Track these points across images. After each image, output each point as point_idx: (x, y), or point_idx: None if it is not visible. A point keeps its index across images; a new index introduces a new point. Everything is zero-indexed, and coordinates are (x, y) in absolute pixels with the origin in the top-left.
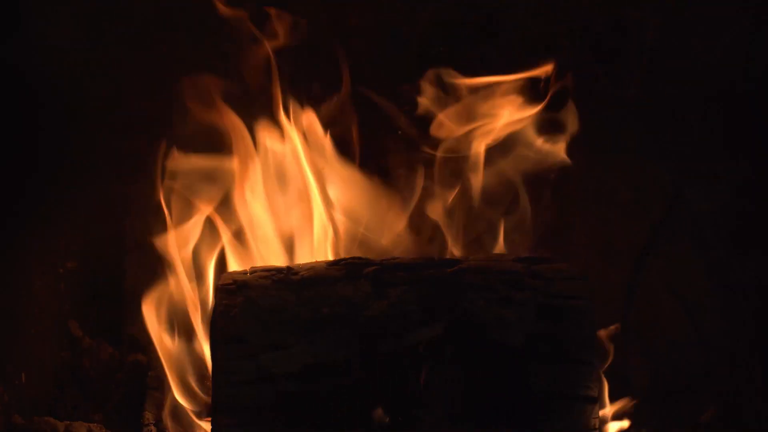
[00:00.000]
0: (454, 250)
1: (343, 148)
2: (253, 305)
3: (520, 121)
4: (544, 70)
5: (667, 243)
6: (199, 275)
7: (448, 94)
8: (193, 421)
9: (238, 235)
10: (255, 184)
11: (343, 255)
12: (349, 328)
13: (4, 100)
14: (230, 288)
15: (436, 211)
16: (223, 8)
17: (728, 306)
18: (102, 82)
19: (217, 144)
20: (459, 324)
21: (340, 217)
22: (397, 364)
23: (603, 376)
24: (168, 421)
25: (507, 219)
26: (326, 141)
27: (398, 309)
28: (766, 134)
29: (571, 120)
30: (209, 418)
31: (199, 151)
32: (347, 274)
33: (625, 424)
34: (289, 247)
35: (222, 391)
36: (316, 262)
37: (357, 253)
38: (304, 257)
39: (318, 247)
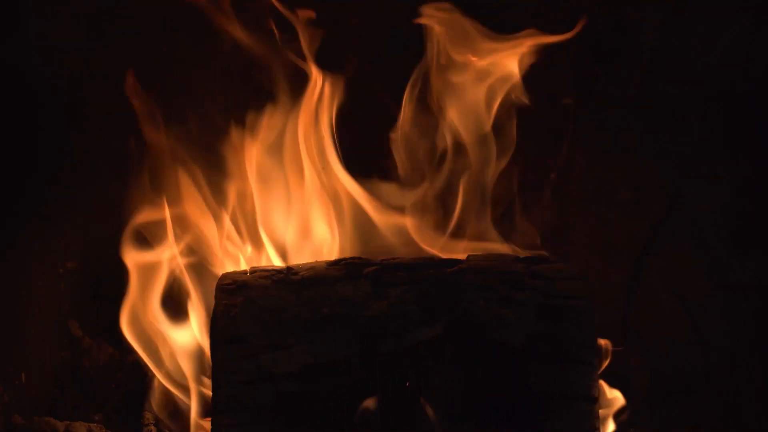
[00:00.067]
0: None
1: (343, 147)
2: (253, 305)
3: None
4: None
5: (667, 243)
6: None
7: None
8: (193, 421)
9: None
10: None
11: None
12: (349, 328)
13: (4, 100)
14: (230, 288)
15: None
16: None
17: (728, 306)
18: (102, 82)
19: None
20: (459, 324)
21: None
22: (397, 364)
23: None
24: (168, 421)
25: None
26: (328, 140)
27: (398, 309)
28: (766, 134)
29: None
30: (209, 418)
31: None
32: (347, 274)
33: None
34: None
35: (222, 391)
36: (316, 262)
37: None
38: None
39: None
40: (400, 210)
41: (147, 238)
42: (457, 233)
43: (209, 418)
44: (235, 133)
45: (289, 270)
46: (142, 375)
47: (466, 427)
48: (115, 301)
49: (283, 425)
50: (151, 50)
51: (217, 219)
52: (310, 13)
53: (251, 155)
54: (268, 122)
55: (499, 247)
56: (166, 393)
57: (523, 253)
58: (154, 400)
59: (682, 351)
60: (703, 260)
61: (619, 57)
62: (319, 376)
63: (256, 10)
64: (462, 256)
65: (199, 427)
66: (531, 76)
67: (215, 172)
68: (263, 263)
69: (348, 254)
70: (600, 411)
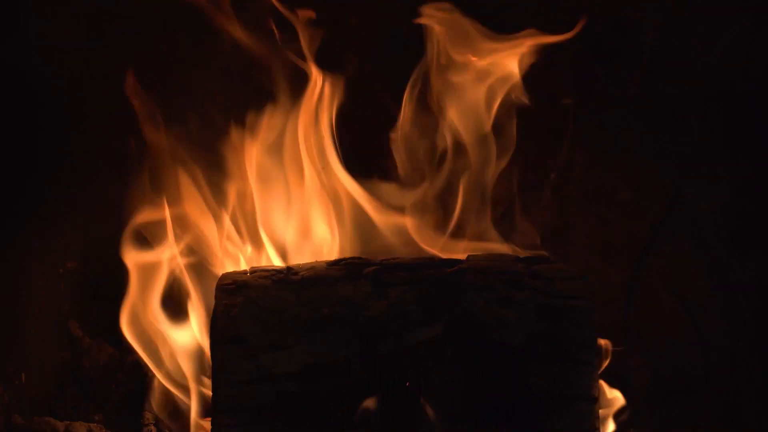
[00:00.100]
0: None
1: (343, 147)
2: (253, 305)
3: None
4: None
5: (667, 243)
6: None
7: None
8: (193, 421)
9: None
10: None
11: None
12: (349, 328)
13: (4, 100)
14: (230, 288)
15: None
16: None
17: (728, 306)
18: (102, 82)
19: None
20: (459, 324)
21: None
22: (397, 364)
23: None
24: (168, 421)
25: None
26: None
27: (398, 309)
28: (766, 134)
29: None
30: (209, 418)
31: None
32: (347, 274)
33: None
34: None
35: (222, 391)
36: (316, 262)
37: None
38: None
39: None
40: (400, 210)
41: (147, 238)
42: (457, 233)
43: (209, 418)
44: (235, 133)
45: (289, 270)
46: (142, 375)
47: (466, 427)
48: (115, 301)
49: (283, 425)
50: (151, 50)
51: (217, 219)
52: (309, 13)
53: (251, 155)
54: (268, 122)
55: (499, 247)
56: (166, 393)
57: (523, 253)
58: (154, 400)
59: (682, 351)
60: (703, 260)
61: (619, 57)
62: (319, 376)
63: (256, 10)
64: (462, 256)
65: (199, 427)
66: (531, 76)
67: (215, 172)
68: (263, 263)
69: (348, 254)
70: (600, 411)
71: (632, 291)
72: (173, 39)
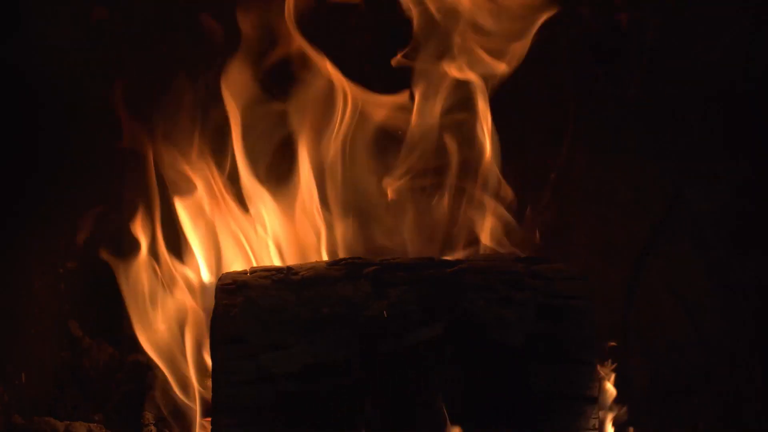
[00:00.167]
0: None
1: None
2: (253, 305)
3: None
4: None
5: (667, 243)
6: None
7: None
8: (193, 420)
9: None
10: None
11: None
12: (349, 328)
13: (4, 100)
14: (230, 288)
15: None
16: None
17: (728, 306)
18: (102, 82)
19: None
20: (459, 324)
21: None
22: (397, 364)
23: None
24: (168, 422)
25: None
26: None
27: (398, 309)
28: (766, 134)
29: None
30: (209, 418)
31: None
32: (347, 274)
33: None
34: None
35: (222, 391)
36: (316, 262)
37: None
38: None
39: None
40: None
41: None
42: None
43: (209, 418)
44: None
45: (289, 270)
46: (142, 375)
47: (466, 427)
48: (116, 301)
49: (283, 425)
50: (151, 50)
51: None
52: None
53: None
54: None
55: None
56: (167, 393)
57: (522, 254)
58: (154, 400)
59: (682, 351)
60: (703, 260)
61: (619, 57)
62: (319, 376)
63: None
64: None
65: (199, 426)
66: (531, 76)
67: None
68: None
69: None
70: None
71: (632, 291)
72: (173, 39)
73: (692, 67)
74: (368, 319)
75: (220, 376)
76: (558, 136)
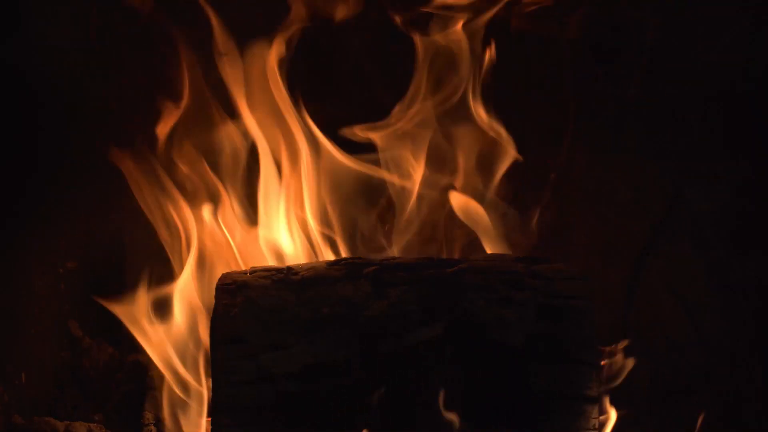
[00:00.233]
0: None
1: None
2: (253, 305)
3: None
4: None
5: (667, 243)
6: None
7: None
8: (193, 420)
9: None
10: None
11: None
12: (349, 328)
13: (4, 100)
14: (230, 288)
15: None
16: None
17: (728, 306)
18: (102, 82)
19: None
20: (459, 324)
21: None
22: (397, 364)
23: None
24: (168, 421)
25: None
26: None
27: (398, 309)
28: (766, 134)
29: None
30: (209, 418)
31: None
32: (347, 274)
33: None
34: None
35: (222, 391)
36: (317, 262)
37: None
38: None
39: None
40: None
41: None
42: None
43: (209, 418)
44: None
45: (289, 270)
46: (142, 375)
47: (466, 427)
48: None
49: (283, 425)
50: (151, 50)
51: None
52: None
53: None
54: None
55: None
56: (166, 393)
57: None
58: (154, 400)
59: (682, 351)
60: (703, 260)
61: (619, 57)
62: (319, 376)
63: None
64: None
65: (199, 426)
66: (531, 76)
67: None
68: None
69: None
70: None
71: (632, 291)
72: (174, 39)
73: (692, 67)
74: (368, 319)
75: (220, 376)
76: (558, 136)
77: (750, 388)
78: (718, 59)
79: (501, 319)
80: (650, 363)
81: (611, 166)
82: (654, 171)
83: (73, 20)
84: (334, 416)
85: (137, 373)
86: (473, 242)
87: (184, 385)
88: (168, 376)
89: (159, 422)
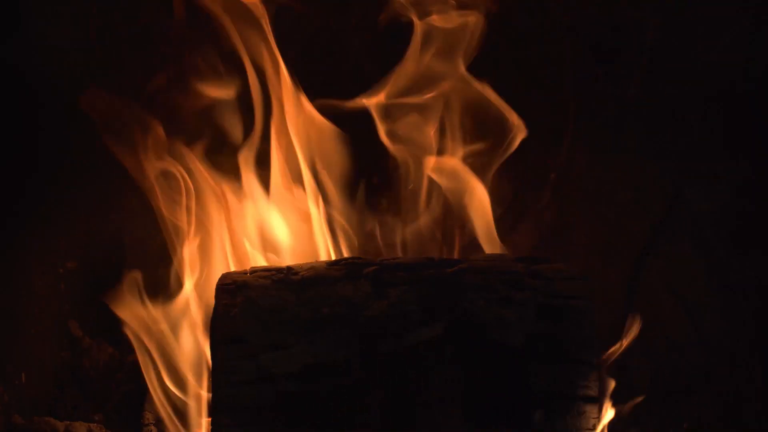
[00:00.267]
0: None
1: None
2: (253, 305)
3: None
4: None
5: (667, 243)
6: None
7: None
8: (193, 420)
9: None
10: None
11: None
12: (349, 328)
13: (4, 100)
14: (230, 288)
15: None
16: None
17: (728, 306)
18: (102, 82)
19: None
20: (459, 324)
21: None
22: (397, 364)
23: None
24: (168, 421)
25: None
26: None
27: (398, 309)
28: (766, 134)
29: None
30: (209, 418)
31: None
32: (347, 274)
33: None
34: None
35: (222, 391)
36: (316, 262)
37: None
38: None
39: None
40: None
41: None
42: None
43: (209, 418)
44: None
45: (289, 270)
46: (142, 375)
47: (466, 427)
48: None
49: (283, 425)
50: (151, 50)
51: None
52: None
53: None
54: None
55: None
56: (167, 393)
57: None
58: (154, 400)
59: (682, 351)
60: (703, 260)
61: (619, 57)
62: (319, 376)
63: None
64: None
65: (199, 426)
66: (531, 76)
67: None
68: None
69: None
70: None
71: (632, 291)
72: (174, 39)
73: (692, 67)
74: (368, 319)
75: (220, 376)
76: (558, 136)
77: (750, 388)
78: (718, 59)
79: (501, 319)
80: (650, 363)
81: (611, 166)
82: (654, 171)
83: (73, 20)
84: (334, 416)
85: (137, 373)
86: (473, 242)
87: (183, 386)
88: (168, 376)
89: (159, 422)
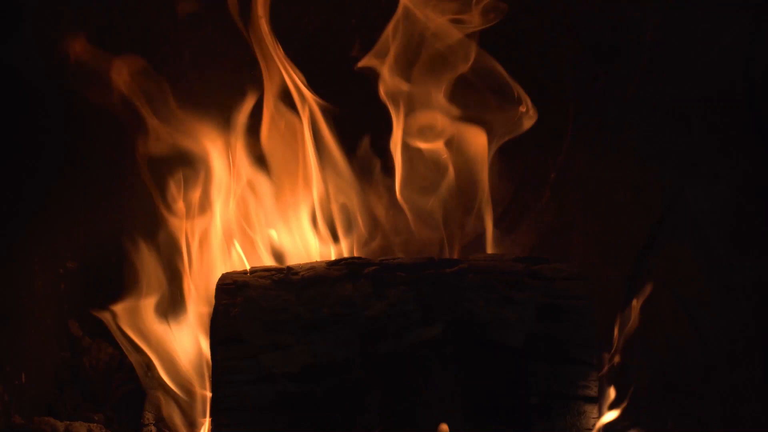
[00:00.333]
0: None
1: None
2: (253, 305)
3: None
4: None
5: (667, 243)
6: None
7: None
8: (193, 420)
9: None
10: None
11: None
12: (349, 328)
13: (4, 100)
14: (230, 288)
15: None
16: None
17: (728, 306)
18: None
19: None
20: (459, 324)
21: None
22: (397, 364)
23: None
24: (168, 421)
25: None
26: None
27: (398, 309)
28: (766, 134)
29: None
30: (209, 418)
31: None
32: (347, 274)
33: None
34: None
35: (222, 391)
36: (316, 262)
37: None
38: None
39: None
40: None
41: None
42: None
43: (209, 418)
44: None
45: (289, 270)
46: (142, 375)
47: (466, 428)
48: (115, 301)
49: (283, 425)
50: (151, 50)
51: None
52: None
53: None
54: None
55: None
56: (167, 393)
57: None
58: (155, 400)
59: (682, 351)
60: (703, 260)
61: (619, 57)
62: (319, 376)
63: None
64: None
65: (199, 426)
66: (531, 76)
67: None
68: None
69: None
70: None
71: (632, 291)
72: (174, 39)
73: (692, 67)
74: (368, 319)
75: (220, 376)
76: (558, 136)
77: (750, 388)
78: (718, 59)
79: (501, 319)
80: (650, 363)
81: (611, 166)
82: (654, 171)
83: (73, 20)
84: (334, 416)
85: (137, 373)
86: (473, 242)
87: (184, 386)
88: (167, 376)
89: (159, 422)
